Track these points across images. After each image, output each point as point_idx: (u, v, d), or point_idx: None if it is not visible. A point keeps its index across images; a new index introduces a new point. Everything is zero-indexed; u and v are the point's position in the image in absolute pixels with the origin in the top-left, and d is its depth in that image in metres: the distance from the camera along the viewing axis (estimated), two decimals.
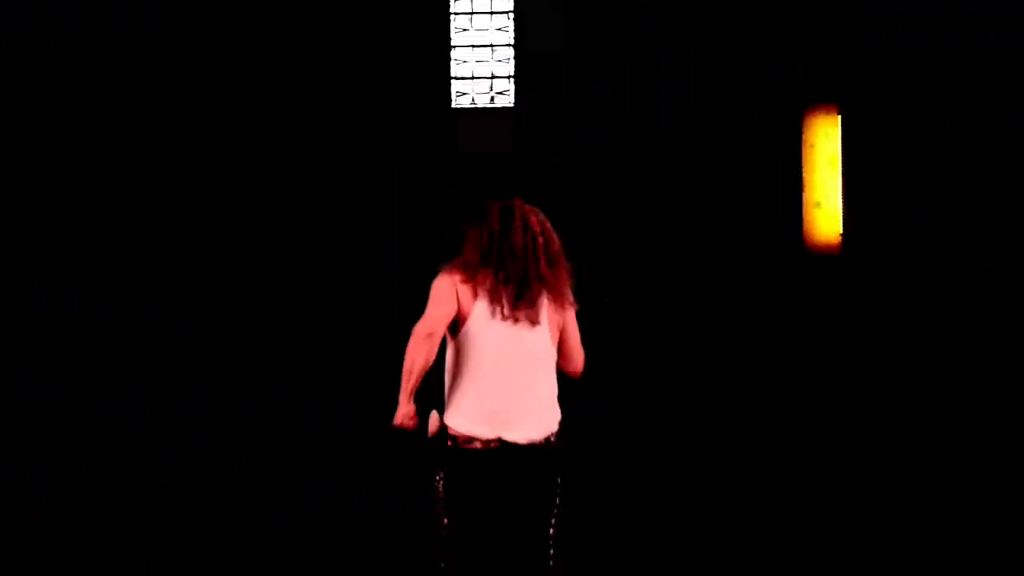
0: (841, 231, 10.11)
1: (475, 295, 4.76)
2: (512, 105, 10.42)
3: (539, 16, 10.36)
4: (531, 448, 4.73)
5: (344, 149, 9.21)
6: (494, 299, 4.76)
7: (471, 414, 4.76)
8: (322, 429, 8.51)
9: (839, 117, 10.15)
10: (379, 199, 9.25)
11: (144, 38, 8.76)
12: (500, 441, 4.72)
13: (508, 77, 10.13)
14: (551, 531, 4.70)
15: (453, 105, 10.55)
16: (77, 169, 8.66)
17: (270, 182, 9.03)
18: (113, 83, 8.75)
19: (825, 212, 10.12)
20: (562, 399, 4.89)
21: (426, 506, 4.83)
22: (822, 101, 10.19)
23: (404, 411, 4.77)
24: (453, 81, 10.31)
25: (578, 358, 4.87)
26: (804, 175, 10.21)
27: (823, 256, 10.08)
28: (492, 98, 10.06)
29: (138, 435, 8.38)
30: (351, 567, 7.51)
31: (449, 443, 4.76)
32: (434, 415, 4.84)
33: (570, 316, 4.84)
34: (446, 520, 4.76)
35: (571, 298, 4.82)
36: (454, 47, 10.21)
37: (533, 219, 4.81)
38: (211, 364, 8.59)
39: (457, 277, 4.77)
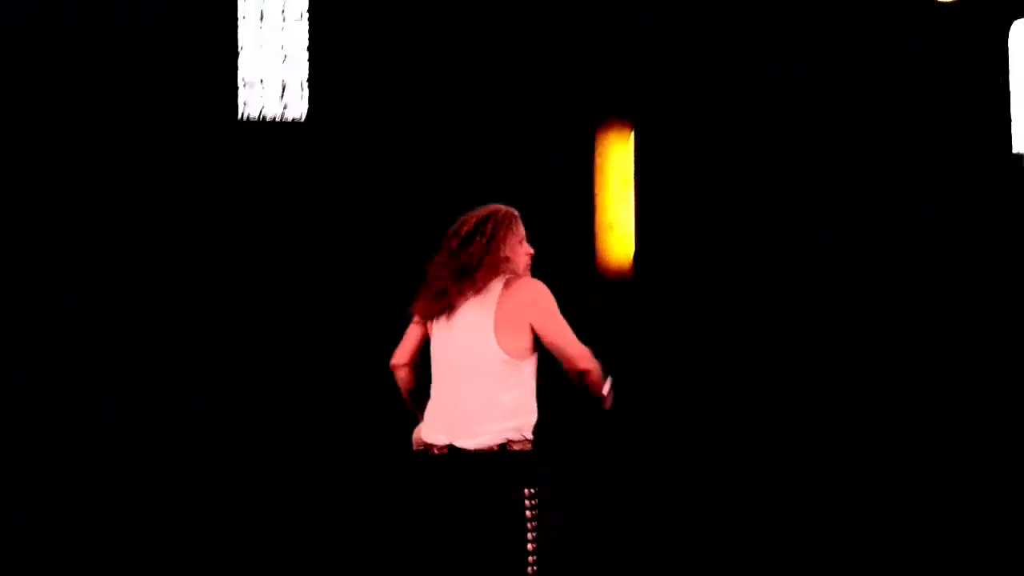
0: (633, 254, 9.70)
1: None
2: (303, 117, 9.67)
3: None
4: (481, 455, 4.69)
5: (343, 147, 9.17)
6: (431, 308, 4.81)
7: (432, 422, 4.77)
8: (322, 429, 8.51)
9: (632, 134, 9.74)
10: (379, 199, 9.19)
11: (144, 38, 8.75)
12: (450, 447, 4.70)
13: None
14: (529, 548, 4.64)
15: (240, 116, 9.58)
16: (77, 169, 8.66)
17: (270, 181, 9.02)
18: (113, 83, 8.74)
19: (617, 235, 9.73)
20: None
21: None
22: (615, 117, 9.81)
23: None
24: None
25: (572, 358, 4.71)
26: (596, 195, 9.76)
27: (615, 281, 9.71)
28: (285, 106, 9.61)
29: (138, 435, 8.38)
30: (351, 567, 7.50)
31: (420, 448, 4.77)
32: (415, 431, 4.85)
33: (538, 316, 4.71)
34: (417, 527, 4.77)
35: (525, 298, 4.72)
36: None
37: (463, 225, 4.82)
38: (211, 364, 8.58)
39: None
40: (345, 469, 8.24)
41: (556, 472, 4.80)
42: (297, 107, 9.45)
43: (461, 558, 4.69)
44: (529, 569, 4.63)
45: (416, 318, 4.92)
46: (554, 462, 4.82)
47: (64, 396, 8.38)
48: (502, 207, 4.95)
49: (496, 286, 4.76)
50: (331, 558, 7.71)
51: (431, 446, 4.73)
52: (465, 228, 4.82)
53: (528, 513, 4.65)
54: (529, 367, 4.79)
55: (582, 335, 8.91)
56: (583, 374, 4.71)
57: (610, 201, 9.55)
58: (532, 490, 4.67)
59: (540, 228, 9.63)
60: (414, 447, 4.82)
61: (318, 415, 8.60)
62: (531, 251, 4.95)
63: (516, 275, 4.83)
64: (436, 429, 4.74)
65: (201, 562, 7.67)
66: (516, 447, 4.70)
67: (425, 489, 4.73)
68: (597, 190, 9.64)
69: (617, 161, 9.65)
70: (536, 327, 4.73)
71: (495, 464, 4.68)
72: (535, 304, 4.76)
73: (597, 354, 8.51)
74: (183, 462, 8.36)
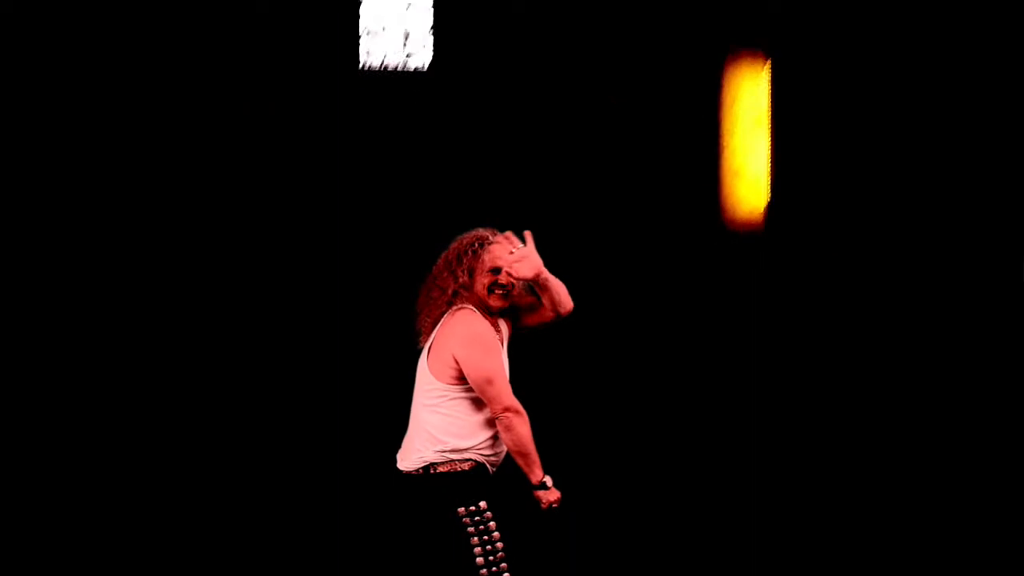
0: (765, 204, 8.79)
1: None
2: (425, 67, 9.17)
3: None
4: (406, 477, 4.81)
5: (347, 143, 9.12)
6: (422, 340, 5.04)
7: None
8: (322, 429, 8.50)
9: (767, 64, 8.78)
10: (384, 193, 9.10)
11: (144, 37, 8.74)
12: (397, 469, 4.89)
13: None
14: (478, 561, 4.70)
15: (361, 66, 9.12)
16: (77, 169, 8.65)
17: (270, 180, 9.00)
18: (113, 83, 8.73)
19: (747, 182, 8.79)
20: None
21: None
22: (746, 45, 8.84)
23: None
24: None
25: (486, 400, 4.79)
26: (723, 138, 8.73)
27: (743, 234, 8.81)
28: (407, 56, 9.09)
29: (138, 435, 8.37)
30: (351, 567, 7.51)
31: None
32: None
33: (460, 351, 4.80)
34: None
35: (454, 335, 4.83)
36: None
37: (441, 257, 5.03)
38: (214, 364, 8.57)
39: None
40: (345, 469, 8.24)
41: (512, 489, 4.85)
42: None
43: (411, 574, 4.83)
44: None
45: None
46: (509, 480, 4.89)
47: (64, 396, 8.37)
48: (478, 232, 5.03)
49: (446, 313, 4.89)
50: (331, 558, 7.71)
51: None
52: (442, 260, 4.98)
53: (471, 529, 4.73)
54: (461, 394, 4.84)
55: (706, 292, 8.02)
56: (496, 419, 4.80)
57: (739, 144, 8.69)
58: (468, 508, 4.74)
59: (661, 171, 8.90)
60: None
61: (318, 415, 8.59)
62: (505, 280, 4.94)
63: (467, 305, 4.91)
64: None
65: (201, 562, 7.67)
66: (442, 469, 4.78)
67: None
68: (724, 131, 8.80)
69: (748, 96, 8.75)
70: (459, 361, 4.82)
71: (417, 486, 4.81)
72: (459, 339, 4.83)
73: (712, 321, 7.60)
74: (183, 462, 8.35)
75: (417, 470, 4.74)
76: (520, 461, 4.73)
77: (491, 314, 4.89)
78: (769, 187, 8.79)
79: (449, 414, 4.76)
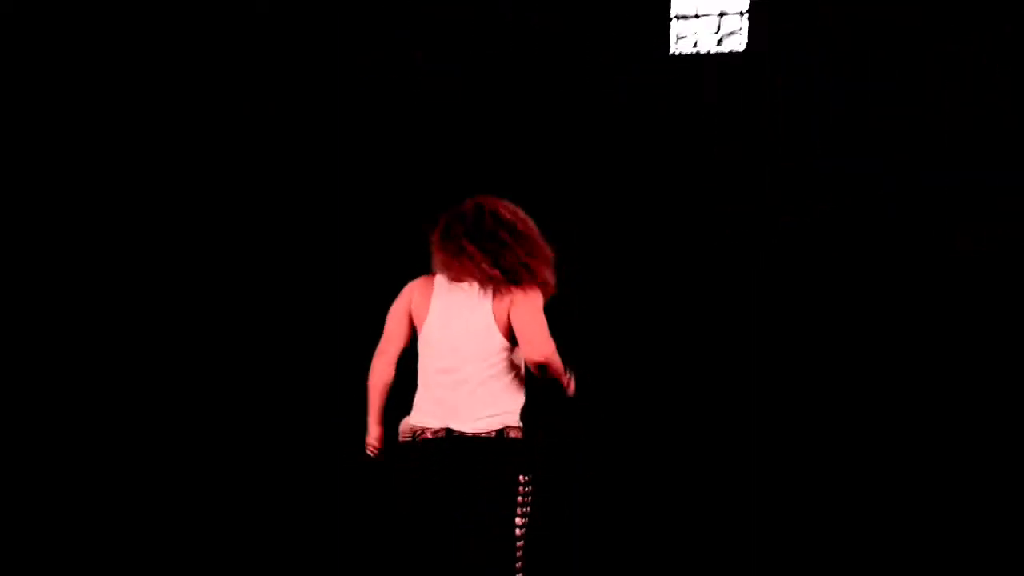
0: None
1: (430, 290, 4.82)
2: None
3: None
4: (478, 441, 4.69)
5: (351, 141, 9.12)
6: (439, 288, 4.79)
7: (422, 406, 4.77)
8: (322, 429, 8.51)
9: None
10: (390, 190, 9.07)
11: (144, 36, 8.75)
12: (447, 431, 4.71)
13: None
14: (517, 533, 4.65)
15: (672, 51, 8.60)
16: (77, 169, 8.65)
17: (270, 181, 9.00)
18: (113, 82, 8.74)
19: None
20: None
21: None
22: None
23: (370, 434, 4.81)
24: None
25: (529, 346, 4.61)
26: None
27: None
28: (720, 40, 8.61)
29: (138, 435, 8.38)
30: (351, 567, 7.51)
31: (407, 438, 4.77)
32: (404, 421, 4.84)
33: (520, 297, 4.67)
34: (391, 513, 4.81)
35: (526, 278, 4.68)
36: None
37: (488, 210, 4.77)
38: (213, 364, 8.58)
39: (418, 281, 4.85)
40: (345, 469, 8.24)
41: (549, 460, 4.81)
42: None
43: (450, 540, 4.72)
44: (517, 553, 4.67)
45: (413, 292, 4.86)
46: (547, 450, 4.83)
47: (64, 396, 8.38)
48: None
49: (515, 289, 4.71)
50: (331, 558, 7.72)
51: (424, 429, 4.73)
52: (534, 231, 4.79)
53: (519, 499, 4.69)
54: (519, 354, 4.80)
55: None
56: (532, 365, 4.66)
57: None
58: (526, 477, 4.71)
59: None
60: (400, 437, 4.82)
61: (318, 415, 8.60)
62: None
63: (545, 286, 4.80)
64: (431, 414, 4.74)
65: (201, 562, 7.68)
66: (512, 434, 4.72)
67: (416, 470, 4.74)
68: None
69: None
70: (515, 307, 4.68)
71: (493, 449, 4.70)
72: (522, 289, 4.71)
73: None
74: (183, 462, 8.36)
75: (489, 432, 4.65)
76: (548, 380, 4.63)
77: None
78: None
79: (519, 377, 4.73)
